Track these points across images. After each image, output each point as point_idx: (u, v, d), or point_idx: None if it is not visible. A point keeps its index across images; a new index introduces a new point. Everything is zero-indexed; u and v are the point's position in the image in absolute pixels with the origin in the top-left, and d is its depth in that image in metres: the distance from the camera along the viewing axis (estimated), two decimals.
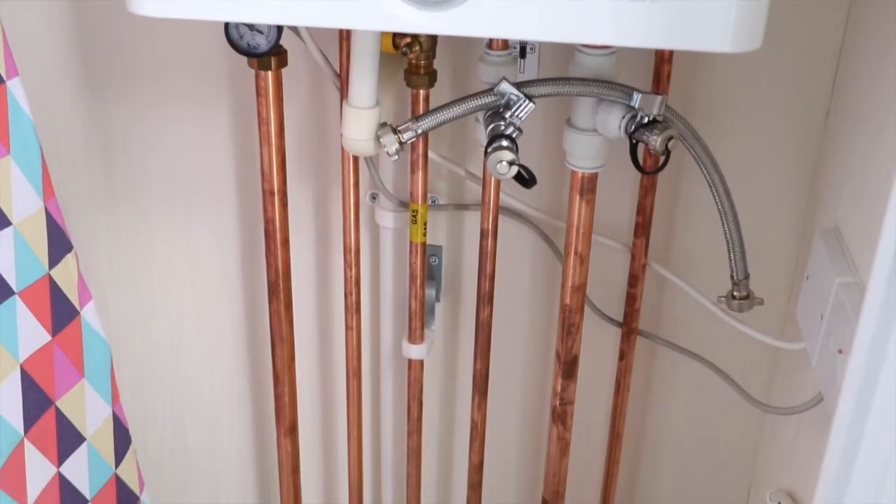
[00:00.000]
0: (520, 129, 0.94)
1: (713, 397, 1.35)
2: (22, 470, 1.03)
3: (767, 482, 1.28)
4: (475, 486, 1.32)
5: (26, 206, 1.01)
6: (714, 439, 1.38)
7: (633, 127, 0.92)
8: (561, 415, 1.19)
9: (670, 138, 0.91)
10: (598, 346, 1.33)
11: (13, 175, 0.99)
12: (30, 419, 1.04)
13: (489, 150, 0.92)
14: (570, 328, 1.12)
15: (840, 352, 0.88)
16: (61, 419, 1.11)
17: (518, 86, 0.93)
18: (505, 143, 0.92)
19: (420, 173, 1.12)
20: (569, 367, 1.15)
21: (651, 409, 1.38)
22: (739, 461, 1.39)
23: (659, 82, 1.10)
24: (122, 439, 1.26)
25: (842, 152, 1.06)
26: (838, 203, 1.04)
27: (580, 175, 1.01)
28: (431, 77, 1.08)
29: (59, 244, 1.08)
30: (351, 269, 1.21)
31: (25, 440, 1.04)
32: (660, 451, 1.41)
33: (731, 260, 1.05)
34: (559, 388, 1.17)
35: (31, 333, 1.04)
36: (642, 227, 1.20)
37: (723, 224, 1.02)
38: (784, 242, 1.22)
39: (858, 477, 0.65)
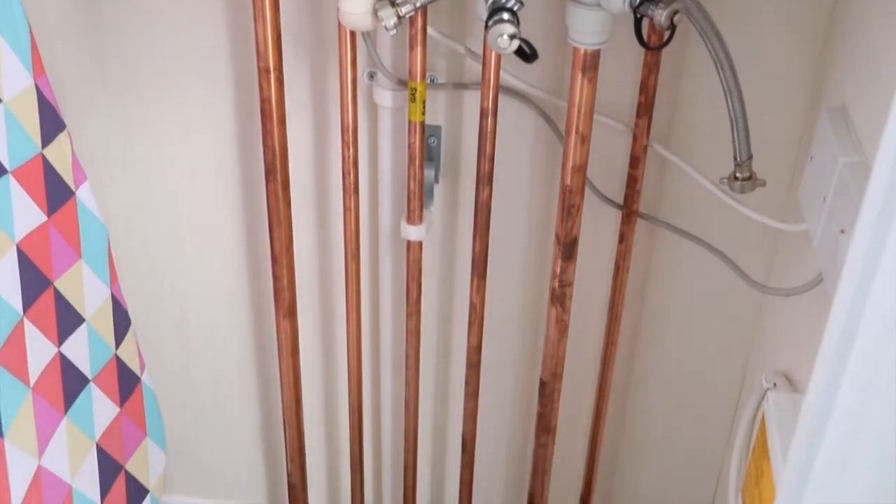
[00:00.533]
0: (521, 2, 0.91)
1: (712, 280, 1.35)
2: (23, 349, 1.04)
3: (764, 364, 1.29)
4: (474, 366, 1.33)
5: (16, 83, 0.99)
6: (712, 322, 1.39)
7: (638, 0, 0.90)
8: (560, 297, 1.19)
9: (675, 12, 0.89)
10: (598, 228, 1.32)
11: (1, 50, 0.96)
12: (28, 299, 1.04)
13: (490, 23, 0.90)
14: (570, 209, 1.12)
15: (842, 232, 0.87)
16: (60, 299, 1.11)
17: None
18: (506, 16, 0.90)
19: (419, 49, 1.10)
20: (568, 249, 1.15)
21: (650, 292, 1.38)
22: (737, 344, 1.40)
23: None
24: (122, 320, 1.26)
25: (853, 28, 1.03)
26: (846, 81, 1.02)
27: (582, 52, 0.99)
28: None
29: (51, 122, 1.07)
30: (349, 149, 1.19)
31: (25, 319, 1.04)
32: (658, 333, 1.42)
33: (734, 140, 1.04)
34: (558, 270, 1.17)
35: (26, 213, 1.03)
36: (645, 107, 1.18)
37: (727, 102, 1.00)
38: (789, 122, 1.20)
39: (856, 358, 0.65)
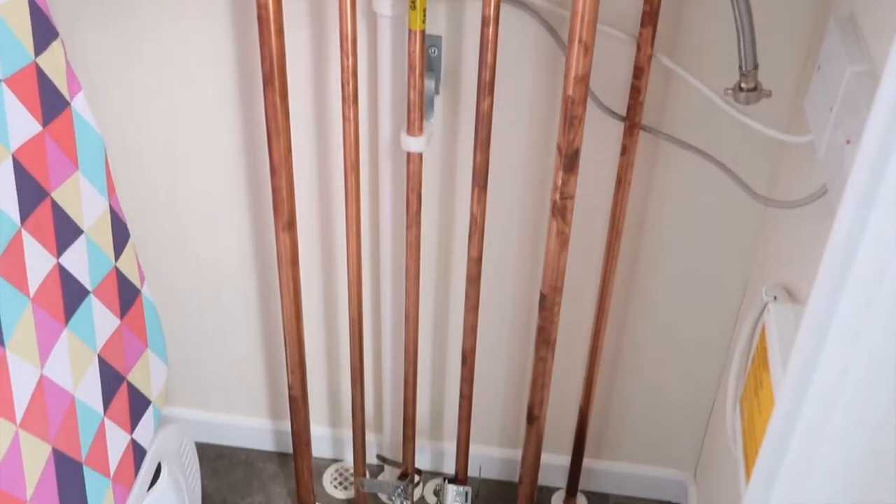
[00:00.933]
0: None
1: (714, 194, 1.34)
2: (21, 259, 1.03)
3: (764, 278, 1.29)
4: (474, 280, 1.33)
5: None
6: (713, 236, 1.39)
7: None
8: (561, 209, 1.18)
9: None
10: (600, 141, 1.31)
11: None
12: (25, 209, 1.03)
13: None
14: (572, 120, 1.10)
15: (848, 142, 0.86)
16: (57, 210, 1.10)
17: None
18: None
19: None
20: (570, 161, 1.14)
21: (651, 206, 1.38)
22: (738, 258, 1.40)
23: None
24: (121, 233, 1.25)
25: None
26: None
27: None
28: None
29: (44, 30, 1.05)
30: (348, 59, 1.17)
31: (23, 230, 1.03)
32: (659, 248, 1.41)
33: (740, 49, 1.02)
34: (560, 182, 1.16)
35: (21, 122, 1.02)
36: (650, 16, 1.15)
37: (734, 10, 0.98)
38: (795, 33, 1.18)
39: (859, 267, 0.65)
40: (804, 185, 1.12)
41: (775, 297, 1.08)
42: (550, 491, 1.72)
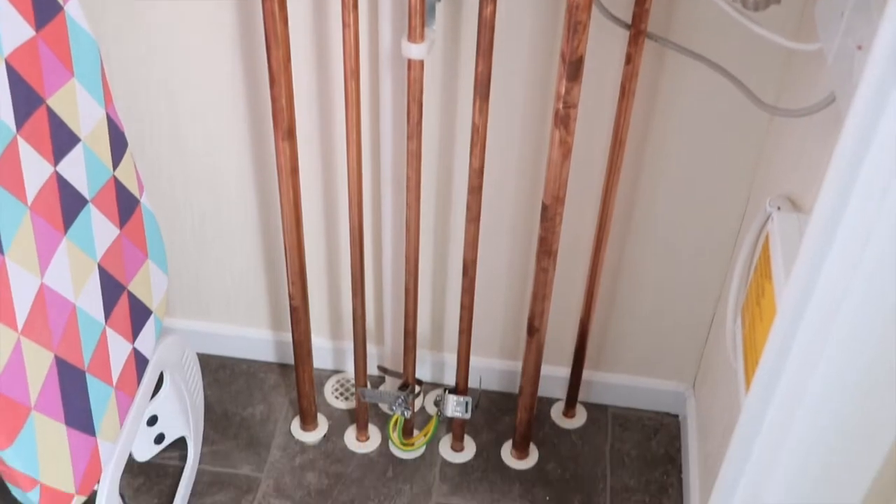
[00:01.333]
0: None
1: (720, 104, 1.32)
2: (18, 167, 1.02)
3: (768, 190, 1.28)
4: (475, 190, 1.32)
5: None
6: (718, 148, 1.37)
7: None
8: (564, 118, 1.17)
9: None
10: (605, 49, 1.28)
11: None
12: (21, 116, 1.02)
13: None
14: (576, 26, 1.08)
15: (859, 48, 0.84)
16: (53, 118, 1.09)
17: None
18: None
19: None
20: (573, 69, 1.12)
21: (656, 116, 1.36)
22: (741, 170, 1.39)
23: None
24: (118, 142, 1.24)
25: None
26: None
27: None
28: None
29: None
30: None
31: (18, 137, 1.02)
32: (663, 159, 1.40)
33: None
34: (563, 91, 1.15)
35: (13, 27, 1.00)
36: None
37: None
38: None
39: (866, 173, 0.64)
40: (812, 95, 1.10)
41: (779, 208, 1.08)
42: (550, 402, 1.74)
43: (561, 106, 1.15)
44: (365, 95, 1.37)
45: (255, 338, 1.77)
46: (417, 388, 1.59)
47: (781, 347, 0.72)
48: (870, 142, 0.63)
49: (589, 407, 1.73)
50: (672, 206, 1.45)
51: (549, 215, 1.27)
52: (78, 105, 1.14)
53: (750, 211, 1.41)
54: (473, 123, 1.25)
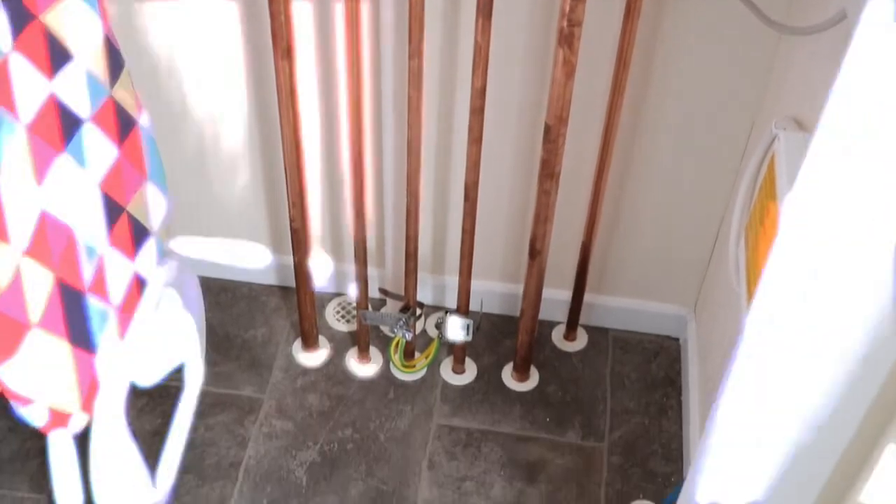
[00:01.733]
0: None
1: (728, 23, 1.30)
2: (8, 85, 1.01)
3: (773, 114, 1.27)
4: (477, 111, 1.30)
5: None
6: (725, 69, 1.35)
7: None
8: (568, 37, 1.15)
9: None
10: None
11: None
12: (15, 33, 1.00)
13: None
14: None
15: None
16: (50, 37, 1.07)
17: None
18: None
19: None
20: None
21: (661, 36, 1.34)
22: (749, 90, 1.37)
23: None
24: (116, 61, 1.22)
25: None
26: None
27: None
28: None
29: None
30: None
31: (13, 53, 1.00)
32: (668, 80, 1.38)
33: None
34: (567, 9, 1.13)
35: None
36: None
37: None
38: None
39: (873, 89, 0.63)
40: (821, 13, 1.08)
41: (785, 129, 1.06)
42: (551, 325, 1.74)
43: (565, 24, 1.13)
44: (365, 13, 1.34)
45: (257, 261, 1.76)
46: (419, 311, 1.59)
47: (784, 264, 0.71)
48: (880, 58, 0.62)
49: (590, 330, 1.74)
50: (676, 129, 1.43)
51: (552, 136, 1.26)
52: (75, 23, 1.12)
53: (755, 136, 1.39)
54: (476, 42, 1.23)
